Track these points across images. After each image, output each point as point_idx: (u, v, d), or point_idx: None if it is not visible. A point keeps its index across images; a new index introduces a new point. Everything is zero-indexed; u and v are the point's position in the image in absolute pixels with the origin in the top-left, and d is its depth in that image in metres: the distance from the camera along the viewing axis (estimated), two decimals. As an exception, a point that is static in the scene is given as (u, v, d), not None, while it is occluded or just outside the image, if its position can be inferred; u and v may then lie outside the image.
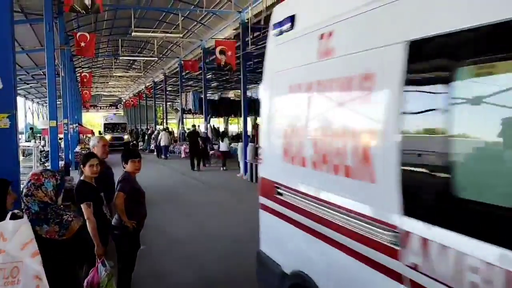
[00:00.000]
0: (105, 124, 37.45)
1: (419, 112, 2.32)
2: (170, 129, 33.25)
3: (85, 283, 4.20)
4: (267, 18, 13.81)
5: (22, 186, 3.41)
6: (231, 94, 41.30)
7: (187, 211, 11.10)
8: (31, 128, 31.04)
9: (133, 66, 37.26)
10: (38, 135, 27.83)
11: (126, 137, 34.92)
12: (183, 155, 25.21)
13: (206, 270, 6.58)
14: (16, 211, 2.85)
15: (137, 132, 40.38)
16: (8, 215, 2.79)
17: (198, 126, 29.16)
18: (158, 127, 38.72)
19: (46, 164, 14.82)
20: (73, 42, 17.81)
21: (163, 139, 26.79)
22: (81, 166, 4.88)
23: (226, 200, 12.56)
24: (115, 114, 47.68)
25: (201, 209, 11.38)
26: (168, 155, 26.62)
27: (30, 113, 43.81)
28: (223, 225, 9.42)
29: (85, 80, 28.34)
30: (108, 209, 4.99)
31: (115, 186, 5.11)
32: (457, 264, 1.94)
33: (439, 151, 2.15)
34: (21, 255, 2.70)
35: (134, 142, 35.34)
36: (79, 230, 3.03)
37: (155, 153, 27.98)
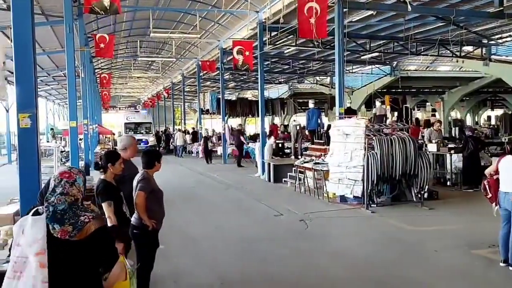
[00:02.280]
0: (126, 124, 32.56)
1: None
2: (192, 130, 33.06)
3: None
4: (285, 18, 13.78)
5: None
6: (248, 94, 41.32)
7: (204, 211, 11.14)
8: (52, 129, 31.55)
9: (152, 67, 37.44)
10: (59, 135, 28.26)
11: (151, 139, 30.72)
12: (200, 155, 25.36)
13: (222, 270, 6.59)
14: (39, 208, 2.86)
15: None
16: (32, 211, 2.83)
17: (240, 125, 28.32)
18: (175, 128, 38.38)
19: (66, 164, 15.02)
20: (93, 43, 18.03)
21: (178, 140, 27.65)
22: (109, 164, 4.91)
23: (243, 200, 12.57)
24: (138, 111, 41.04)
25: (218, 208, 11.41)
26: (182, 155, 27.52)
27: (51, 114, 44.45)
28: (240, 225, 9.42)
29: (104, 81, 28.70)
30: (127, 208, 5.04)
31: (135, 186, 5.12)
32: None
33: None
34: (28, 251, 2.73)
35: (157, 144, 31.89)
36: (97, 232, 2.99)
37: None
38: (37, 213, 2.84)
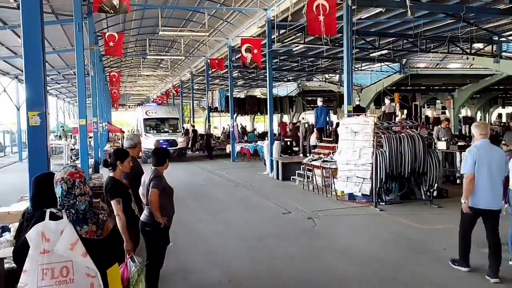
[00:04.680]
0: (145, 120, 24.63)
1: None
2: (192, 128, 32.43)
3: None
4: (293, 15, 13.74)
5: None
6: (257, 92, 41.32)
7: (213, 208, 11.17)
8: (62, 127, 31.77)
9: (161, 65, 37.60)
10: (69, 133, 28.48)
11: (180, 140, 23.61)
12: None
13: (231, 267, 6.61)
14: (54, 210, 2.85)
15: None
16: (47, 215, 2.80)
17: (299, 121, 23.74)
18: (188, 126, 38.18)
19: (76, 162, 15.13)
20: (102, 42, 18.13)
21: None
22: (118, 162, 4.98)
23: (251, 198, 12.58)
24: (160, 104, 31.81)
25: (227, 206, 11.43)
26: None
27: (61, 112, 44.76)
28: (248, 223, 9.44)
29: (114, 79, 28.85)
30: (136, 206, 5.07)
31: (148, 183, 5.15)
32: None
33: None
34: (71, 255, 2.71)
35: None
36: (113, 228, 3.08)
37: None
38: (54, 216, 2.82)
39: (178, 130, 24.76)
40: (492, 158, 5.86)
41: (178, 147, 22.80)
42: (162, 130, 24.41)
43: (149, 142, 21.10)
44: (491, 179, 5.81)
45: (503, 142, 10.54)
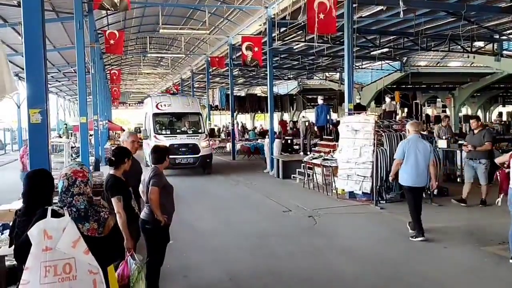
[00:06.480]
0: (155, 115, 17.40)
1: None
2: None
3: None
4: (294, 14, 13.73)
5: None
6: (257, 90, 41.32)
7: (213, 206, 11.17)
8: (65, 125, 31.74)
9: (161, 63, 37.59)
10: (70, 131, 28.48)
11: (204, 144, 16.69)
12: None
13: (231, 265, 6.61)
14: (56, 208, 2.87)
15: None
16: (49, 212, 2.81)
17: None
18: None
19: (77, 160, 15.15)
20: (103, 39, 18.13)
21: None
22: (126, 159, 4.99)
23: (251, 196, 12.58)
24: (175, 94, 23.64)
25: (227, 204, 11.44)
26: None
27: (62, 110, 44.75)
28: (249, 221, 9.44)
29: (114, 77, 28.89)
30: (136, 203, 5.07)
31: (148, 181, 5.14)
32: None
33: None
34: (73, 252, 2.73)
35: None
36: (114, 226, 3.10)
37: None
38: (55, 213, 2.84)
39: (200, 131, 17.51)
40: (418, 149, 7.55)
41: (200, 154, 16.33)
42: (178, 131, 17.60)
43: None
44: (416, 164, 7.52)
45: (464, 143, 10.73)
